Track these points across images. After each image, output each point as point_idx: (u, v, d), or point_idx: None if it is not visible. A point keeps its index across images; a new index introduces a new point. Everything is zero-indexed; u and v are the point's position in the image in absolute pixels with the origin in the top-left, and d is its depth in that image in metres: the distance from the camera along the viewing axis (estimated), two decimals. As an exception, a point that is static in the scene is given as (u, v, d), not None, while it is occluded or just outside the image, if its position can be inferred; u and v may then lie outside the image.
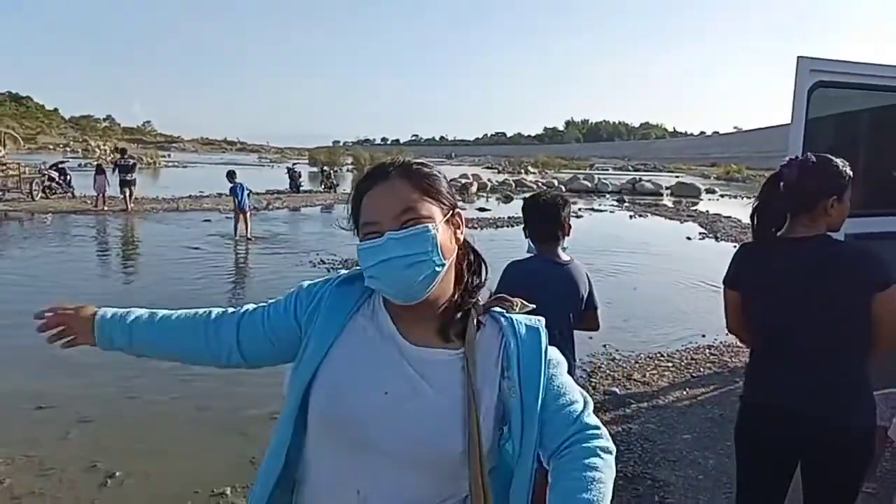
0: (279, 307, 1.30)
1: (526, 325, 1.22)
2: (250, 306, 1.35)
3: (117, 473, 3.77)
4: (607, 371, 5.80)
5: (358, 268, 1.24)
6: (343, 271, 1.31)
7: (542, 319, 1.26)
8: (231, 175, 13.99)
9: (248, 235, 13.33)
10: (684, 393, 5.27)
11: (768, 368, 2.29)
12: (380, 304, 1.24)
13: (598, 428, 1.23)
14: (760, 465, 2.34)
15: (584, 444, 1.20)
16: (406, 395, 1.15)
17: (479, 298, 1.27)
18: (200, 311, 1.37)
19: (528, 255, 2.90)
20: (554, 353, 1.23)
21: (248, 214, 13.54)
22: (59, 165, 22.86)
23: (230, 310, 1.36)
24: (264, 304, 1.35)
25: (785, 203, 2.23)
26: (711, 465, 3.90)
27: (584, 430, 1.21)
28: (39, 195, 20.17)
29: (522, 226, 2.95)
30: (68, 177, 22.01)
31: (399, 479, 1.14)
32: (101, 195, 18.82)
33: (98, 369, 5.24)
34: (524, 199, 3.12)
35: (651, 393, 5.25)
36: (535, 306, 1.30)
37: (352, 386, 1.16)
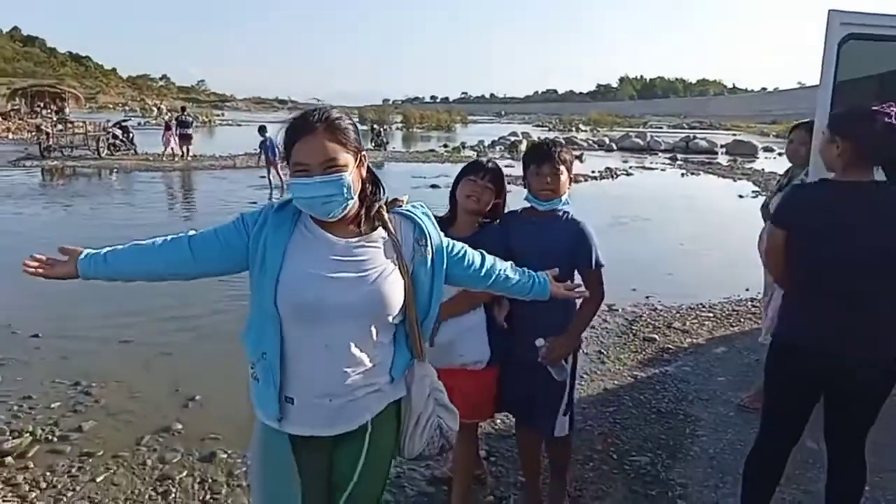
0: (230, 227, 1.73)
1: (421, 211, 1.82)
2: (193, 231, 1.77)
3: (197, 397, 4.23)
4: (648, 320, 6.00)
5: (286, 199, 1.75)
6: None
7: (422, 203, 1.86)
8: (262, 129, 15.07)
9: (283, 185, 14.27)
10: (723, 341, 5.45)
11: (810, 308, 2.34)
12: (310, 218, 1.71)
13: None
14: (788, 399, 2.48)
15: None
16: (342, 274, 1.65)
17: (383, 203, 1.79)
18: (159, 239, 1.76)
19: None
20: (434, 223, 1.84)
21: (278, 166, 14.50)
22: (122, 123, 23.81)
23: (179, 234, 1.76)
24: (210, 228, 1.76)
25: (879, 144, 2.24)
26: (743, 401, 4.10)
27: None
28: (105, 152, 21.12)
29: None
30: (131, 134, 22.93)
31: (348, 331, 1.68)
32: (168, 148, 20.55)
33: (165, 313, 5.74)
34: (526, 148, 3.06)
35: (690, 340, 5.45)
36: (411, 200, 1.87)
37: (305, 277, 1.65)
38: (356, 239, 1.71)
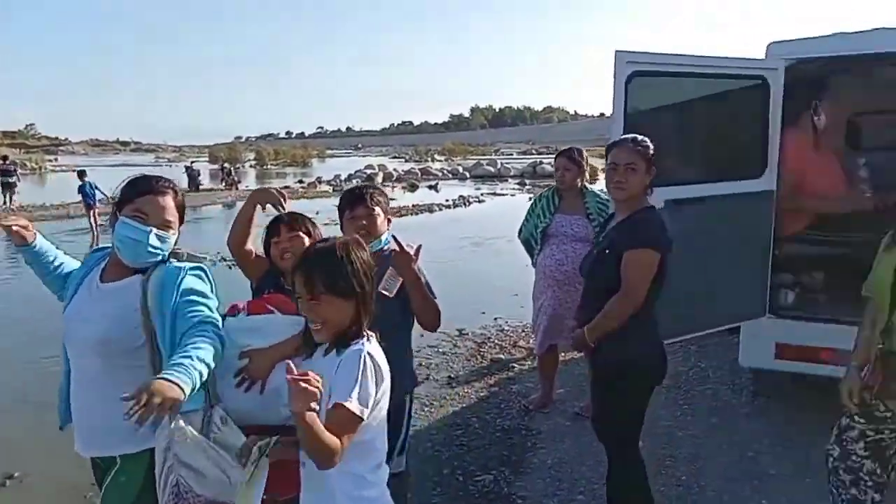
0: (79, 266, 2.09)
1: (172, 267, 1.91)
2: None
3: (16, 473, 3.86)
4: (496, 341, 6.25)
5: (100, 247, 2.05)
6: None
7: (200, 265, 1.98)
8: (81, 174, 15.21)
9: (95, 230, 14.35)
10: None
11: None
12: (100, 266, 1.97)
13: (209, 323, 1.87)
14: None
15: (195, 330, 1.82)
16: (91, 312, 1.87)
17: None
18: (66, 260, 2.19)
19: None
20: (189, 283, 1.91)
21: (95, 211, 14.56)
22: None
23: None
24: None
25: None
26: (580, 410, 4.35)
27: (197, 326, 1.83)
28: (-88, 208, 18.89)
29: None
30: (-58, 188, 20.70)
31: (91, 365, 1.87)
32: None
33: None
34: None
35: (533, 357, 5.71)
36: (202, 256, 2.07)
37: (70, 312, 1.94)
38: (113, 283, 1.91)
